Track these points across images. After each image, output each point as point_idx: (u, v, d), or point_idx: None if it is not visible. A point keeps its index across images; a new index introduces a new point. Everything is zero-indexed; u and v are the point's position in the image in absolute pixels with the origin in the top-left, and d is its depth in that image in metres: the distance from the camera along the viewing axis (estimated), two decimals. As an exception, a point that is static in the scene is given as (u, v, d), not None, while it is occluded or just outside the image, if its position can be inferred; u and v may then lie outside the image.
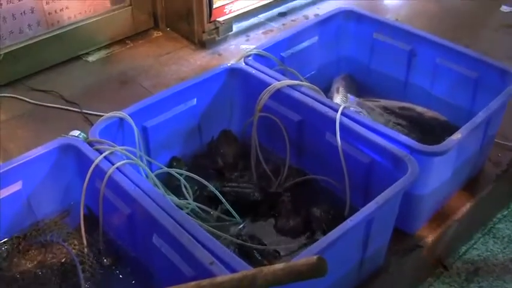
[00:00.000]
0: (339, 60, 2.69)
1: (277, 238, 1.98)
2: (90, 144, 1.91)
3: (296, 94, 2.07)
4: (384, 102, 2.41)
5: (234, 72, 2.25)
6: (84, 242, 1.87)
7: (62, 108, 2.82)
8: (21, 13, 2.89)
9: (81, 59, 3.19)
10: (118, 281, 1.86)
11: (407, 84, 2.53)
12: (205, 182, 2.01)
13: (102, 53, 3.24)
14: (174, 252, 1.62)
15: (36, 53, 3.01)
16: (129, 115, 2.01)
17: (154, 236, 1.68)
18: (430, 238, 2.09)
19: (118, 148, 1.87)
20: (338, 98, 2.40)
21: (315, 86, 2.16)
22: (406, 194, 1.80)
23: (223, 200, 2.00)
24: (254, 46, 3.00)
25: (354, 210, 1.86)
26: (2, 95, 2.91)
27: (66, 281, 1.79)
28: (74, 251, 1.84)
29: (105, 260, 1.90)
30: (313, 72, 2.56)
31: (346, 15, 2.58)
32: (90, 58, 3.20)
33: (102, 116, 2.58)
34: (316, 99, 2.04)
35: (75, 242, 1.87)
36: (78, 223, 1.90)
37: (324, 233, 1.93)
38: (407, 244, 2.06)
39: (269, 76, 2.17)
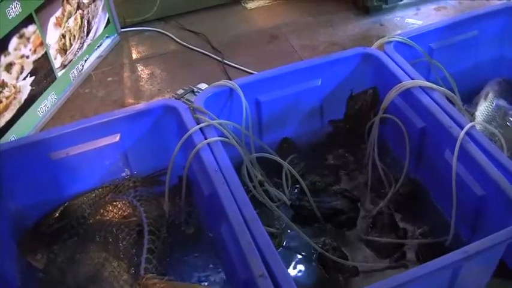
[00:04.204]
0: (498, 62, 2.42)
1: (362, 250, 1.87)
2: (194, 111, 1.85)
3: (424, 98, 1.90)
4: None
5: (368, 58, 2.10)
6: (165, 207, 1.87)
7: (205, 54, 2.81)
8: None
9: (240, 4, 3.17)
10: (192, 254, 1.85)
11: None
12: (300, 179, 1.92)
13: (262, 2, 3.21)
14: (234, 252, 1.56)
15: (198, -9, 2.99)
16: (241, 86, 1.95)
17: (222, 226, 1.63)
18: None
19: (215, 122, 1.80)
20: (483, 106, 2.16)
21: (450, 92, 1.95)
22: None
23: (313, 203, 1.90)
24: (421, 22, 2.84)
25: (457, 240, 1.77)
26: (154, 29, 2.96)
27: (138, 242, 1.77)
28: (154, 212, 1.83)
29: (187, 229, 1.89)
30: (464, 71, 2.31)
31: (516, 11, 2.29)
32: (250, 5, 3.16)
33: (241, 69, 2.64)
34: (444, 109, 1.85)
35: (157, 204, 1.88)
36: (173, 184, 1.90)
37: (417, 258, 1.82)
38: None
39: (404, 71, 1.99)
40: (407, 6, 3.14)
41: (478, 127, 1.88)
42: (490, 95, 2.22)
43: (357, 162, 2.14)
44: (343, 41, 2.90)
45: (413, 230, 1.90)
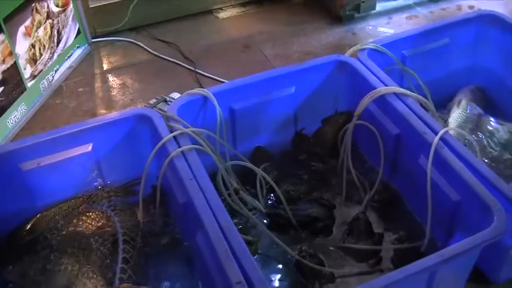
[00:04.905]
0: (470, 70, 2.45)
1: (339, 256, 1.88)
2: (167, 119, 1.85)
3: (398, 104, 1.92)
4: (509, 126, 2.15)
5: (342, 65, 2.11)
6: (139, 216, 1.87)
7: (177, 64, 2.81)
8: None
9: (212, 13, 3.16)
10: (167, 263, 1.83)
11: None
12: (275, 186, 1.93)
13: (235, 11, 3.21)
14: (210, 259, 1.56)
15: (169, 0, 3.03)
16: (215, 94, 1.95)
17: (198, 234, 1.62)
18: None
19: (189, 130, 1.80)
20: (456, 112, 2.19)
21: (424, 98, 1.97)
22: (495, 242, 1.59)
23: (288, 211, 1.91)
24: (393, 31, 2.87)
25: (433, 245, 1.79)
26: (125, 39, 2.96)
27: (112, 253, 1.76)
28: (129, 222, 1.82)
29: (162, 239, 1.87)
30: (437, 78, 2.34)
31: (488, 20, 2.33)
32: (222, 14, 3.17)
33: (213, 79, 2.64)
34: (418, 115, 1.86)
35: (132, 214, 1.88)
36: (147, 193, 1.91)
37: (393, 263, 1.84)
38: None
39: (378, 78, 2.01)
40: (379, 15, 3.17)
41: (452, 132, 1.89)
42: (463, 102, 2.25)
43: (331, 170, 2.15)
44: (316, 50, 2.92)
45: (389, 236, 1.92)
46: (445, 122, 2.14)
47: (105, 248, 1.76)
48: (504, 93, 2.39)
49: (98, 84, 2.79)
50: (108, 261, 1.73)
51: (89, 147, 1.89)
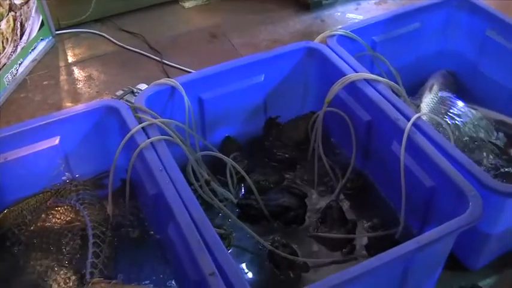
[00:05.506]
0: (441, 54, 2.46)
1: (312, 246, 1.88)
2: (135, 110, 1.82)
3: (369, 90, 1.91)
4: (482, 110, 2.16)
5: (311, 52, 2.10)
6: (108, 210, 1.85)
7: (143, 54, 2.78)
8: None
9: (177, 3, 3.14)
10: (138, 256, 1.82)
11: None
12: (246, 176, 1.91)
13: (200, 0, 3.16)
14: (182, 251, 1.54)
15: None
16: (183, 84, 1.93)
17: (170, 226, 1.60)
18: (493, 279, 1.87)
19: (157, 121, 1.78)
20: (428, 97, 2.19)
21: (395, 84, 1.96)
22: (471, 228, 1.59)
23: (260, 201, 1.90)
24: (362, 17, 2.86)
25: (408, 232, 1.78)
26: (90, 31, 2.92)
27: (82, 247, 1.75)
28: (98, 216, 1.80)
29: (131, 233, 1.86)
30: (407, 64, 2.35)
31: (458, 4, 2.33)
32: (187, 4, 3.14)
33: (181, 69, 2.61)
34: (390, 101, 1.86)
35: (101, 208, 1.86)
36: (116, 186, 1.90)
37: (368, 251, 1.83)
38: (465, 281, 1.86)
39: (348, 65, 2.00)
40: (347, 1, 3.17)
41: (424, 118, 1.89)
42: (435, 87, 2.25)
43: (302, 158, 2.14)
44: (284, 37, 2.91)
45: (363, 224, 1.92)
46: (417, 108, 2.14)
47: (75, 243, 1.75)
48: (475, 77, 2.40)
49: (63, 77, 2.76)
50: (78, 256, 1.72)
51: (56, 141, 1.86)
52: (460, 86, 2.40)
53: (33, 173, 1.86)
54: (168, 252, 1.74)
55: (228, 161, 1.93)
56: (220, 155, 1.93)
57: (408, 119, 1.80)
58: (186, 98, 1.91)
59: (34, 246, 1.74)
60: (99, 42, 2.93)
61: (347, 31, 2.15)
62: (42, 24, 2.88)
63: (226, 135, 2.15)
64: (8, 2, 2.58)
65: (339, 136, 2.15)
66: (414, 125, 1.78)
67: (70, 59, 2.89)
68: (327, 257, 1.83)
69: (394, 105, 1.87)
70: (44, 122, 1.82)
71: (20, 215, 1.82)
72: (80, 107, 1.89)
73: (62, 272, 1.66)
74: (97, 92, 2.63)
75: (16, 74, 2.71)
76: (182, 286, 1.70)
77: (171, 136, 1.79)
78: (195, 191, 1.78)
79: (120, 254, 1.78)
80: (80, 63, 2.83)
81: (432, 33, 2.39)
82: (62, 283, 1.64)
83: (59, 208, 1.85)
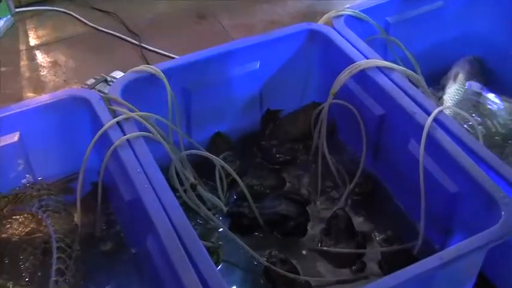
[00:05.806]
0: (466, 37, 2.44)
1: (315, 261, 1.86)
2: (109, 102, 1.81)
3: (382, 80, 1.89)
4: (517, 102, 2.15)
5: (314, 35, 2.09)
6: (76, 219, 1.82)
7: (119, 37, 2.78)
8: None
9: (162, -22, 3.13)
10: (111, 274, 1.81)
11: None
12: (238, 179, 1.89)
13: (188, -25, 3.17)
14: (162, 266, 1.52)
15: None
16: (165, 71, 1.91)
17: (148, 237, 1.59)
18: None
19: (135, 114, 1.77)
20: (453, 88, 2.18)
21: (413, 73, 1.95)
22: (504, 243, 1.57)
23: (253, 206, 1.88)
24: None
25: (427, 247, 1.76)
26: (56, 9, 2.93)
27: (44, 263, 1.71)
28: (64, 226, 1.76)
29: (102, 245, 1.86)
30: (427, 49, 2.33)
31: (485, -21, 2.32)
32: (173, -21, 3.13)
33: (163, 54, 2.61)
34: (406, 92, 1.85)
35: (67, 216, 1.82)
36: (86, 191, 1.88)
37: (381, 269, 1.81)
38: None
39: (357, 50, 1.99)
40: (356, -23, 3.15)
41: (447, 112, 1.87)
42: (460, 76, 2.24)
43: (304, 159, 2.15)
44: (283, 18, 2.92)
45: (375, 236, 1.91)
46: (439, 100, 2.13)
47: (35, 259, 1.72)
48: (505, 65, 2.39)
49: (23, 62, 2.75)
50: (40, 274, 1.69)
51: (15, 137, 1.84)
52: (488, 75, 2.38)
53: (-13, 175, 1.82)
54: (146, 269, 1.71)
55: (218, 161, 1.91)
56: (208, 154, 1.91)
57: (428, 114, 1.78)
58: (168, 87, 1.89)
59: (-14, 262, 1.70)
60: (66, 23, 2.92)
61: (356, 11, 2.14)
62: (-2, 1, 2.86)
63: (216, 131, 2.14)
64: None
65: (346, 132, 2.14)
66: (435, 120, 1.76)
67: (32, 42, 2.88)
68: (333, 276, 1.82)
69: (411, 97, 1.85)
70: (0, 115, 1.80)
71: (-29, 225, 1.79)
72: (44, 98, 1.87)
73: (19, 293, 1.62)
74: (64, 80, 2.62)
75: (-30, 59, 2.69)
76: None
77: (150, 132, 1.77)
78: (178, 196, 1.76)
79: (90, 271, 1.76)
80: (44, 46, 2.82)
81: (456, 13, 2.38)
82: (19, 305, 1.61)
83: (18, 217, 1.81)
